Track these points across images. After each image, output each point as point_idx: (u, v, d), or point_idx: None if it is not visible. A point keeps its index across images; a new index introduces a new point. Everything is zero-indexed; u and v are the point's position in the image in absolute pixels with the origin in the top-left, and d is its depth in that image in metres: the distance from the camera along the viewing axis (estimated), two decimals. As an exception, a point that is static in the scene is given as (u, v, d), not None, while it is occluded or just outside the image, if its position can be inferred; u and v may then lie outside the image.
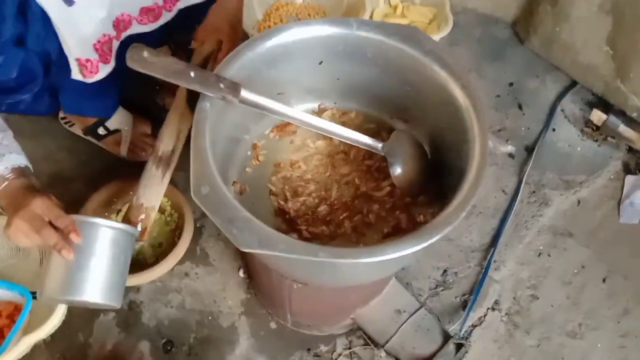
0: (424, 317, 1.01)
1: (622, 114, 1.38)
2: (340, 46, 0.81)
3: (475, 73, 1.51)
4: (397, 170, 0.81)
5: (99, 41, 0.98)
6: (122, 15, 1.01)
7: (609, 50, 1.34)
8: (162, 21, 1.09)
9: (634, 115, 1.37)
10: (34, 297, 1.05)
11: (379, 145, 0.81)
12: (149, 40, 1.09)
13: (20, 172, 0.87)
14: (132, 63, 0.69)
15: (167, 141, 0.88)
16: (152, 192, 0.87)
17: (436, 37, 1.44)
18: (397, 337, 0.99)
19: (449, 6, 1.48)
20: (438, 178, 0.83)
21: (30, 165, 0.91)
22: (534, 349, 1.15)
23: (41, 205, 0.80)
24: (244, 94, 0.72)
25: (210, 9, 1.02)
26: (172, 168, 0.89)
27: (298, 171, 0.86)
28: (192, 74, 0.69)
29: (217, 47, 0.95)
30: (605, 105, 1.42)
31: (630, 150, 1.40)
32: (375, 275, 0.79)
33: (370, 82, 0.86)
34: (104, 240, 0.79)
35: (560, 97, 1.48)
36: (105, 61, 1.01)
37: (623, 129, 1.38)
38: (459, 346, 1.00)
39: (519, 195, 1.30)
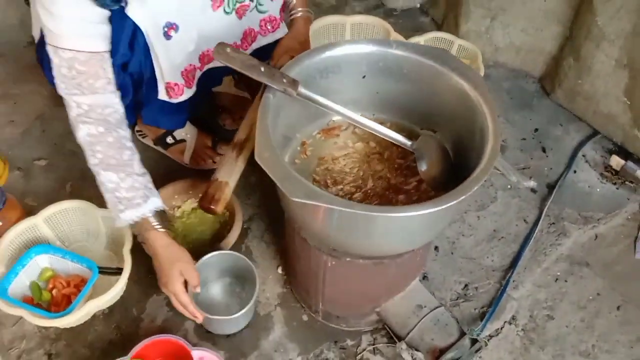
0: (443, 314, 1.11)
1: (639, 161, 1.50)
2: (380, 62, 0.99)
3: (503, 118, 1.66)
4: (423, 166, 0.96)
5: (185, 69, 1.18)
6: (208, 51, 1.21)
7: (626, 101, 1.48)
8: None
9: (651, 162, 1.48)
10: (100, 272, 1.21)
11: (409, 142, 0.96)
12: (220, 74, 1.31)
13: (160, 216, 1.07)
14: (218, 56, 0.88)
15: (242, 130, 1.06)
16: (227, 169, 1.04)
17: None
18: (417, 329, 1.09)
19: (481, 58, 1.66)
20: (459, 177, 0.96)
21: (165, 207, 1.10)
22: (547, 364, 1.22)
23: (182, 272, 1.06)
24: (301, 89, 0.89)
25: (284, 35, 1.23)
26: (245, 153, 1.06)
27: (338, 165, 1.01)
28: (262, 69, 0.87)
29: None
30: (624, 153, 1.54)
31: (648, 195, 1.50)
32: (406, 241, 0.90)
33: (404, 96, 1.02)
34: None
35: (582, 144, 1.60)
36: (189, 86, 1.21)
37: (641, 174, 1.49)
38: (473, 342, 1.08)
39: (539, 225, 1.41)
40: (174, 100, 1.20)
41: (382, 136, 0.97)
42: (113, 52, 1.07)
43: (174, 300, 1.08)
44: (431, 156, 0.96)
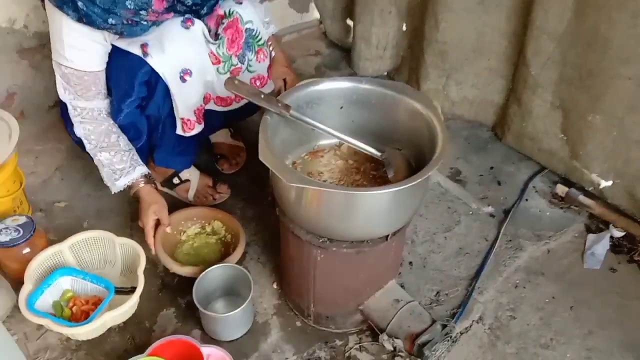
0: (417, 306, 1.30)
1: (581, 188, 1.75)
2: (354, 95, 1.25)
3: (462, 159, 1.92)
4: (391, 173, 1.19)
5: (197, 108, 1.44)
6: (208, 94, 1.48)
7: (563, 137, 1.76)
8: (231, 107, 1.55)
9: (591, 189, 1.73)
10: (116, 291, 1.38)
11: (379, 154, 1.20)
12: (218, 118, 1.56)
13: (146, 178, 1.42)
14: (227, 85, 1.12)
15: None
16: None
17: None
18: (396, 319, 1.27)
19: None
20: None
21: (150, 172, 1.43)
22: (513, 356, 1.38)
23: (155, 211, 1.40)
24: (293, 111, 1.14)
25: (272, 65, 1.56)
26: None
27: (323, 177, 1.24)
28: (262, 96, 1.12)
29: (283, 84, 1.52)
30: (567, 182, 1.79)
31: (591, 215, 1.74)
32: (381, 223, 1.10)
33: (374, 122, 1.27)
34: None
35: (531, 178, 1.86)
36: (199, 122, 1.47)
37: (583, 198, 1.73)
38: (443, 327, 1.27)
39: (498, 241, 1.63)
40: (188, 134, 1.45)
41: (357, 148, 1.21)
42: (130, 91, 1.33)
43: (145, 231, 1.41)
44: (397, 165, 1.20)
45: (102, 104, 1.38)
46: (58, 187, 1.73)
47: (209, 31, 1.39)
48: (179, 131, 1.46)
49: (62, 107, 1.41)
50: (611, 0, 1.42)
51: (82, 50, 1.27)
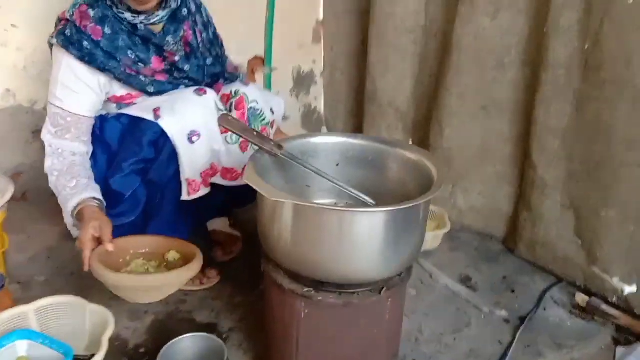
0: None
1: (603, 297, 1.60)
2: (350, 152, 1.22)
3: (472, 267, 1.80)
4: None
5: (204, 171, 1.43)
6: (215, 165, 1.47)
7: (578, 241, 1.65)
8: (236, 183, 1.53)
9: (614, 299, 1.58)
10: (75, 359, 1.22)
11: (373, 202, 1.13)
12: (220, 198, 1.54)
13: (97, 201, 1.36)
14: (221, 121, 1.12)
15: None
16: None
17: (440, 233, 1.82)
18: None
19: (447, 217, 1.89)
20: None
21: (102, 199, 1.38)
22: None
23: (95, 227, 1.27)
24: (284, 151, 1.11)
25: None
26: None
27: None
28: (254, 133, 1.10)
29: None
30: (588, 291, 1.64)
31: (619, 327, 1.55)
32: (370, 260, 0.98)
33: (370, 181, 1.22)
34: None
35: (548, 288, 1.71)
36: (205, 185, 1.45)
37: (606, 308, 1.57)
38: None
39: (513, 346, 1.44)
40: (193, 197, 1.41)
41: (349, 193, 1.15)
42: (137, 150, 1.34)
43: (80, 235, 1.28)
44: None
45: (77, 147, 1.40)
46: (42, 265, 1.65)
47: None
48: (183, 195, 1.42)
49: None
50: (609, 90, 1.44)
51: (73, 92, 1.34)
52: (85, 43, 1.29)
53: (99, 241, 1.29)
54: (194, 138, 1.37)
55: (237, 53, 1.78)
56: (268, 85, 2.16)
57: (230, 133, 1.44)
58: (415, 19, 1.94)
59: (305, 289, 1.04)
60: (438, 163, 1.10)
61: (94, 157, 1.47)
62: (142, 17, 1.33)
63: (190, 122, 1.36)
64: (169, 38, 1.38)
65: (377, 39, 2.04)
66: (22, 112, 1.81)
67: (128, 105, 1.44)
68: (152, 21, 1.35)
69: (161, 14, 1.36)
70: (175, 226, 1.49)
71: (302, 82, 2.34)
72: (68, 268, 1.63)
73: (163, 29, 1.39)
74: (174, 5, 1.39)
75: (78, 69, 1.32)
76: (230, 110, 1.50)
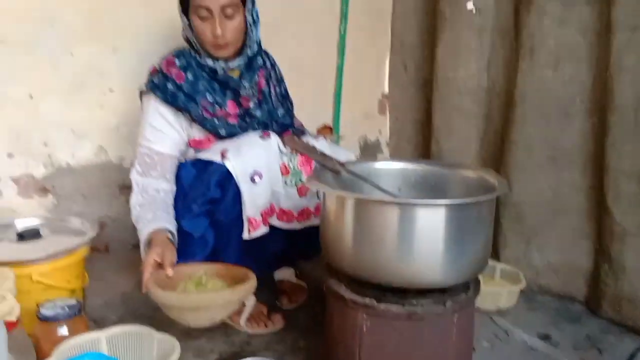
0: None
1: None
2: (412, 177, 1.24)
3: (552, 326, 1.68)
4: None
5: (264, 210, 1.50)
6: (273, 205, 1.53)
7: (668, 293, 1.52)
8: (292, 226, 1.58)
9: None
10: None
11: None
12: (280, 243, 1.58)
13: (169, 232, 1.44)
14: (288, 140, 1.19)
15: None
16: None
17: (515, 289, 1.73)
18: None
19: (522, 277, 1.79)
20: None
21: (174, 232, 1.46)
22: None
23: (158, 252, 1.35)
24: (347, 167, 1.15)
25: None
26: None
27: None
28: (318, 152, 1.16)
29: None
30: (686, 350, 1.48)
31: None
32: (443, 260, 0.96)
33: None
34: None
35: (639, 349, 1.56)
36: (265, 223, 1.50)
37: None
38: None
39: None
40: (253, 235, 1.46)
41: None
42: (205, 191, 1.42)
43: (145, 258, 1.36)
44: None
45: (162, 184, 1.50)
46: (117, 308, 1.71)
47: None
48: (244, 233, 1.47)
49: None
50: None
51: (159, 132, 1.49)
52: (169, 86, 1.45)
53: (160, 267, 1.35)
54: (256, 178, 1.44)
55: (307, 121, 1.89)
56: (336, 151, 2.25)
57: (290, 176, 1.51)
58: (477, 81, 2.00)
59: (367, 299, 1.02)
60: (499, 177, 1.10)
61: None
62: (221, 63, 1.49)
63: (254, 163, 1.44)
64: (245, 83, 1.52)
65: (440, 103, 2.11)
66: (111, 168, 1.98)
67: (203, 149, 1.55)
68: (230, 67, 1.51)
69: (238, 61, 1.52)
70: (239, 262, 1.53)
71: (368, 150, 2.42)
72: (140, 310, 1.68)
73: (240, 75, 1.54)
74: (250, 53, 1.55)
75: (163, 110, 1.47)
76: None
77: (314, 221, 1.57)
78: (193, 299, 1.34)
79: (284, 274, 1.78)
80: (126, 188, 1.98)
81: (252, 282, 1.34)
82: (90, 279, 1.66)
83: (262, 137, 1.50)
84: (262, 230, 1.48)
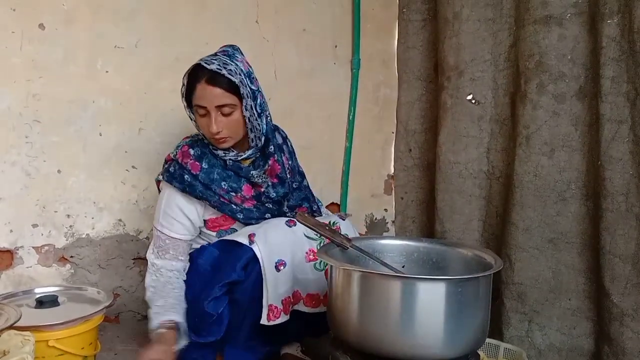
0: None
1: None
2: (415, 254, 1.33)
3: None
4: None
5: (285, 298, 1.55)
6: (298, 292, 1.59)
7: (669, 376, 1.54)
8: (318, 310, 1.62)
9: None
10: None
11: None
12: (298, 326, 1.63)
13: (177, 326, 1.51)
14: (298, 217, 1.28)
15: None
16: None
17: None
18: None
19: (524, 354, 1.82)
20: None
21: (181, 323, 1.53)
22: None
23: (158, 350, 1.44)
24: (353, 243, 1.24)
25: None
26: None
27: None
28: (326, 227, 1.25)
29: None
30: None
31: None
32: (444, 333, 1.01)
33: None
34: None
35: None
36: (285, 312, 1.54)
37: None
38: None
39: None
40: (272, 323, 1.50)
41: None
42: (230, 272, 1.51)
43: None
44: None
45: (175, 265, 1.60)
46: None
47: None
48: (263, 320, 1.51)
49: None
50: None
51: (173, 219, 1.59)
52: (186, 176, 1.56)
53: None
54: (280, 267, 1.51)
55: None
56: (343, 229, 2.34)
57: (319, 261, 1.57)
58: (478, 165, 2.12)
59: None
60: (496, 256, 1.18)
61: (189, 280, 1.64)
62: (232, 154, 1.61)
63: (279, 252, 1.52)
64: (253, 172, 1.62)
65: (443, 185, 2.22)
66: (127, 240, 2.07)
67: (226, 231, 1.65)
68: (239, 158, 1.62)
69: (248, 152, 1.63)
70: (249, 351, 1.58)
71: (374, 228, 2.51)
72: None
73: (253, 162, 1.65)
74: (259, 145, 1.64)
75: (179, 200, 1.58)
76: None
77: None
78: None
79: (290, 348, 1.81)
80: (140, 259, 2.07)
81: None
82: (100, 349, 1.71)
83: (287, 224, 1.57)
84: (283, 319, 1.53)
